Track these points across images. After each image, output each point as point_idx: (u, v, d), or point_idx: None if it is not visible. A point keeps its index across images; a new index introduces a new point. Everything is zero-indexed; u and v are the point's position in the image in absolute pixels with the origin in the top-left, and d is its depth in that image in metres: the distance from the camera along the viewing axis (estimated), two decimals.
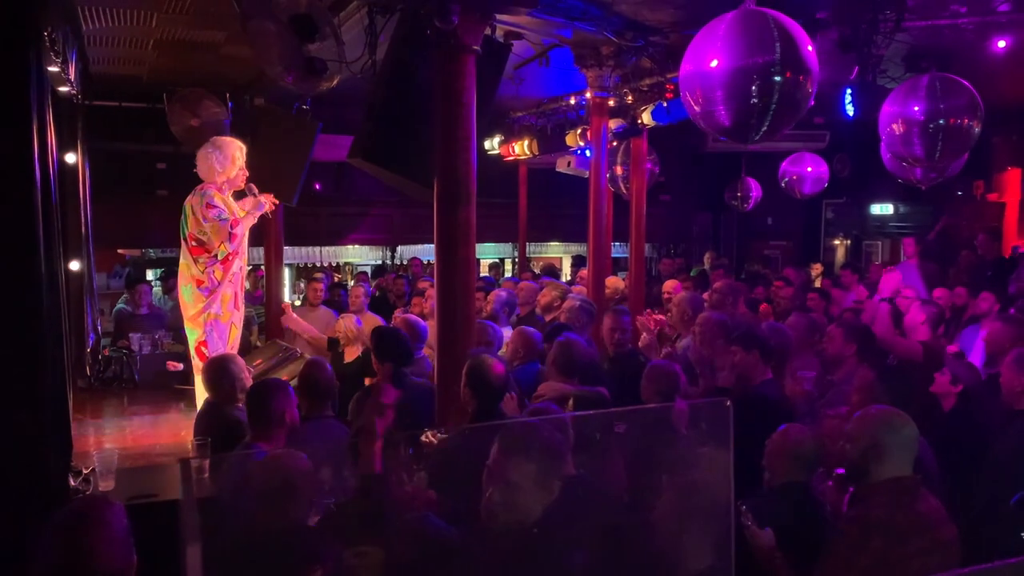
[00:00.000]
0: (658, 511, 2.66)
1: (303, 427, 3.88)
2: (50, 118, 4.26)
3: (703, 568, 2.53)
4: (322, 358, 5.13)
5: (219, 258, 5.90)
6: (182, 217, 5.92)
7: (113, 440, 5.61)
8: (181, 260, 6.00)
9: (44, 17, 4.02)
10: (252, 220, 6.19)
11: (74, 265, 6.89)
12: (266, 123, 7.86)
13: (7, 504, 3.23)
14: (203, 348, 5.92)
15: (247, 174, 6.14)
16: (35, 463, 3.38)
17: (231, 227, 5.89)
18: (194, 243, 5.88)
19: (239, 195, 6.26)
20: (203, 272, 5.88)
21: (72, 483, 4.20)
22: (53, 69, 5.10)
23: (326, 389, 4.25)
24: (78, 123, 7.29)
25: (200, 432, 4.35)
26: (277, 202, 6.39)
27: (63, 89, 6.15)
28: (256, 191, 6.23)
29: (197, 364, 5.90)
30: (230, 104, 8.19)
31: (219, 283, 5.92)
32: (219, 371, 4.46)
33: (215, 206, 5.87)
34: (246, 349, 7.18)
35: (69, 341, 5.86)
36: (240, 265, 6.12)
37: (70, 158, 6.92)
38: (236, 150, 6.06)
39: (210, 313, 5.92)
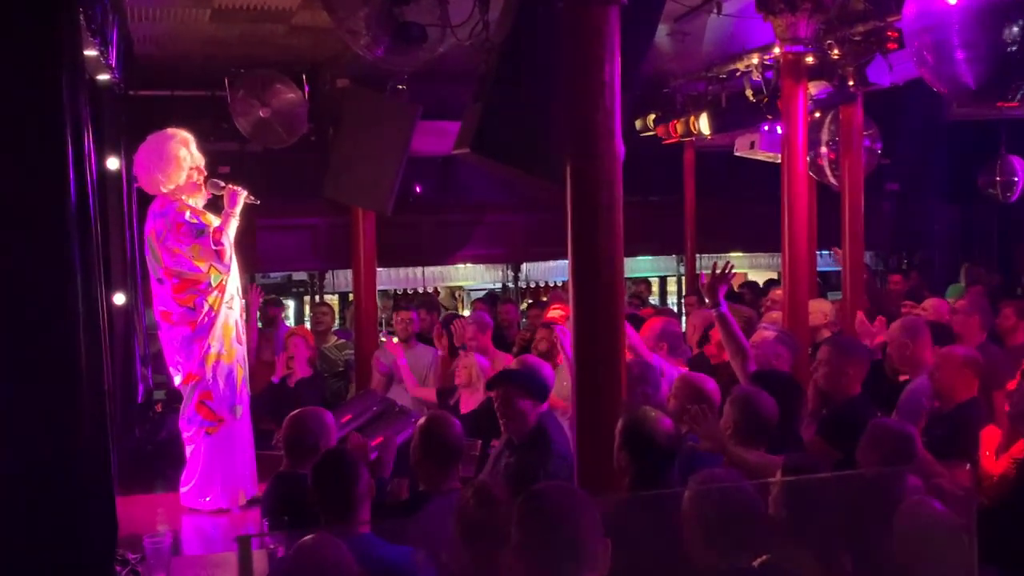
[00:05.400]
0: None
1: (427, 504, 4.03)
2: (87, 114, 4.55)
3: None
4: (446, 412, 5.25)
5: (213, 284, 5.89)
6: (148, 252, 5.91)
7: (167, 520, 5.91)
8: (160, 308, 5.96)
9: None
10: (234, 221, 6.10)
11: (118, 298, 7.29)
12: (351, 110, 8.13)
13: None
14: (207, 402, 5.93)
15: (204, 173, 6.12)
16: (71, 542, 3.60)
17: (213, 243, 5.86)
18: (175, 280, 5.85)
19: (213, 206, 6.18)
20: (193, 306, 5.85)
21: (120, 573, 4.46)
22: (91, 53, 5.46)
23: (454, 452, 4.30)
24: (121, 118, 7.73)
25: (271, 511, 4.52)
26: (243, 192, 6.19)
27: (103, 77, 6.58)
28: (221, 184, 6.13)
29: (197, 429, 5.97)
30: (306, 88, 8.51)
31: (216, 312, 5.90)
32: (298, 430, 4.61)
33: (186, 222, 5.84)
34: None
35: (113, 394, 6.20)
36: (236, 286, 6.11)
37: (112, 163, 7.37)
38: (177, 145, 5.95)
39: (211, 354, 5.90)
